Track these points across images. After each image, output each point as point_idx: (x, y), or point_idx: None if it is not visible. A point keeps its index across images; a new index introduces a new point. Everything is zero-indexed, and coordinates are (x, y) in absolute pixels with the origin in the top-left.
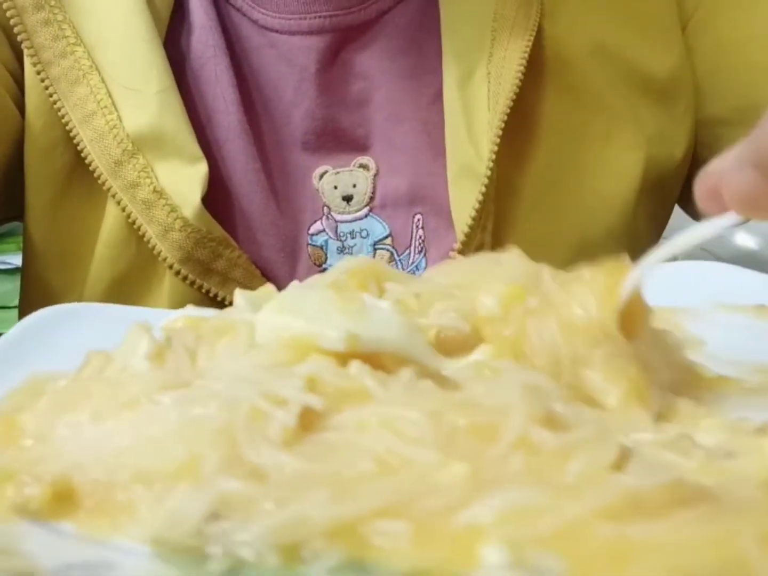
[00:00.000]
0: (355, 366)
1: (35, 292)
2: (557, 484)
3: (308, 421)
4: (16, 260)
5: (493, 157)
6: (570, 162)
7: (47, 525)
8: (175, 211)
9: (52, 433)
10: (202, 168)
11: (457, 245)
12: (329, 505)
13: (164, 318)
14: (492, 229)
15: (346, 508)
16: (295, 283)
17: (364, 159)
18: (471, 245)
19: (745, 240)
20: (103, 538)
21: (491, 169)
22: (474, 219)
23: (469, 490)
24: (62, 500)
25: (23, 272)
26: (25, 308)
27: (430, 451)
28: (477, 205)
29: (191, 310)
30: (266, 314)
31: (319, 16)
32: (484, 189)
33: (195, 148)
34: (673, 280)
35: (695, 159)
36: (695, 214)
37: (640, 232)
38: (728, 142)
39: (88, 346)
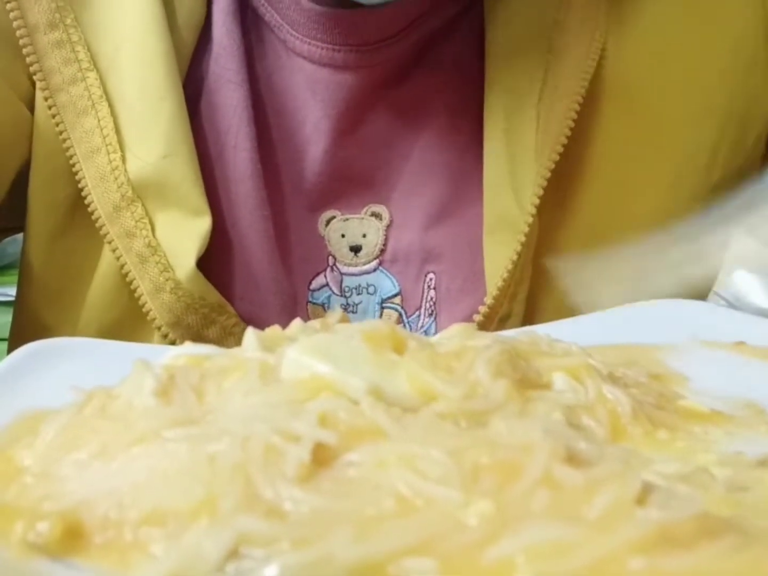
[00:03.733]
0: (368, 402)
1: (27, 326)
2: (584, 519)
3: (320, 458)
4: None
5: (534, 211)
6: (617, 216)
7: (61, 562)
8: (168, 271)
9: (56, 470)
10: (204, 223)
11: (484, 308)
12: (354, 544)
13: (158, 354)
14: (526, 294)
15: (371, 547)
16: (297, 321)
17: (377, 207)
18: (497, 311)
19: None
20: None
21: (530, 225)
22: (505, 281)
23: (496, 526)
24: (72, 537)
25: (16, 304)
26: (15, 341)
27: (453, 489)
28: (510, 266)
29: (190, 348)
30: (295, 353)
31: (354, 50)
32: (519, 247)
33: (200, 200)
34: (651, 317)
35: None
36: None
37: None
38: None
39: (78, 382)
